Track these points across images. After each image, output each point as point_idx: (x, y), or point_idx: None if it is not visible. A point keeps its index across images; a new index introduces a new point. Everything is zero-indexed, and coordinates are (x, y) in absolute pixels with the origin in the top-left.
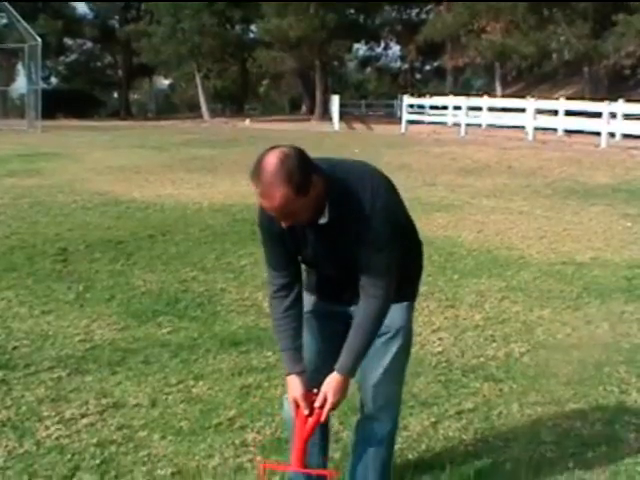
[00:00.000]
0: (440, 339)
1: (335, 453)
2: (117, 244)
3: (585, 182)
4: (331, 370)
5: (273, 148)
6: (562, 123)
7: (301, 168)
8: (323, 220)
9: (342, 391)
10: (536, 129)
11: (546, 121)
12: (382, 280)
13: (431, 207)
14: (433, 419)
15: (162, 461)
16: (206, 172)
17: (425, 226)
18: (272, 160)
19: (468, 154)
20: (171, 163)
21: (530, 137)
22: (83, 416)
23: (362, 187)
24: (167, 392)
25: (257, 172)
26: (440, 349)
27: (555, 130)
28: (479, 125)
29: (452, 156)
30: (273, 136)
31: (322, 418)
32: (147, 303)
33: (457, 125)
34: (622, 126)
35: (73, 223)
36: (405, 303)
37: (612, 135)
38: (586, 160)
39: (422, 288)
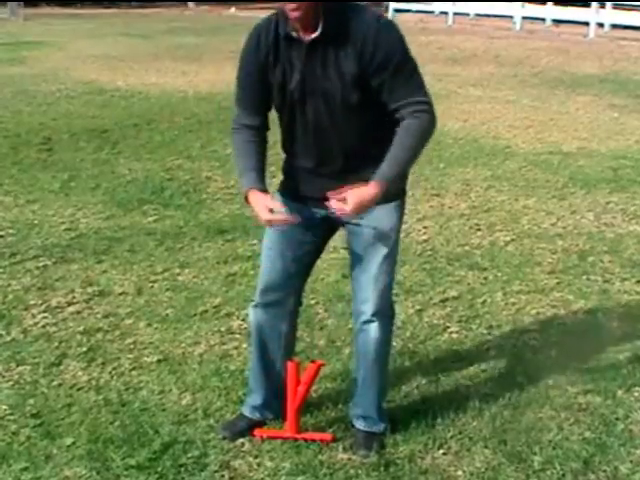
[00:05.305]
0: (425, 227)
1: (320, 340)
2: (102, 133)
3: (572, 72)
4: (291, 292)
5: None
6: (550, 13)
7: None
8: (315, 33)
9: (367, 198)
10: (524, 18)
11: (534, 10)
12: (416, 96)
13: None
14: (418, 307)
15: (148, 348)
16: (191, 60)
17: None
18: None
19: (455, 43)
20: (156, 51)
21: (518, 27)
22: (69, 304)
23: (363, 9)
24: (153, 280)
25: None
26: (425, 237)
27: (543, 20)
28: (467, 14)
29: (439, 45)
30: None
31: (349, 210)
32: (132, 192)
33: (444, 14)
34: (611, 16)
35: (57, 112)
36: (393, 203)
37: (601, 25)
38: (574, 50)
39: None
